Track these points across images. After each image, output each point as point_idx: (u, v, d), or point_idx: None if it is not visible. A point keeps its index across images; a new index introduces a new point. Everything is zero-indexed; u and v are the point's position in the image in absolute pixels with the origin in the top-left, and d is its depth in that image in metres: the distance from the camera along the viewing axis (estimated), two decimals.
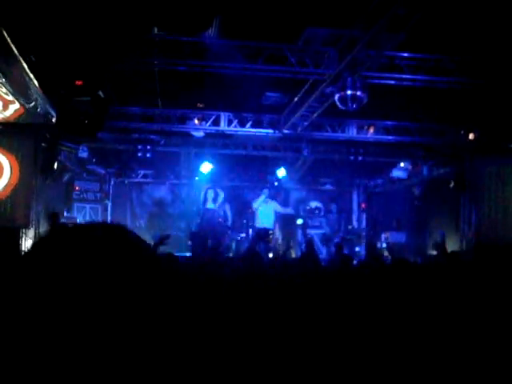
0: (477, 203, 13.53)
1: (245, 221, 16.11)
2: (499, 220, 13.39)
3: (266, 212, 14.16)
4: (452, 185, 14.12)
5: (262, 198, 14.23)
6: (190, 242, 14.70)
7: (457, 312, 3.93)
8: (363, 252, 13.27)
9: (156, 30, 8.77)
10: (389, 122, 13.56)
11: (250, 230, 15.41)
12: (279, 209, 14.49)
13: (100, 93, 9.26)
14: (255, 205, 14.37)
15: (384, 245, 14.68)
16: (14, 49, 7.75)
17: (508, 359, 3.51)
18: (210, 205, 14.55)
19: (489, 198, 13.46)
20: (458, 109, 11.77)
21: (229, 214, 15.31)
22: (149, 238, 10.98)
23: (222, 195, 14.97)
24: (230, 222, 15.30)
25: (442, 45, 9.44)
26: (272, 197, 14.92)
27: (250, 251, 6.68)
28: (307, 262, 6.04)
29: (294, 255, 14.39)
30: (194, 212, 16.29)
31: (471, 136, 13.25)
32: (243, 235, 15.62)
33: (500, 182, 13.46)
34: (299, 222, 16.14)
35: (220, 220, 15.13)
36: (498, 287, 4.41)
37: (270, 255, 8.46)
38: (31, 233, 11.45)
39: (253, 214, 15.39)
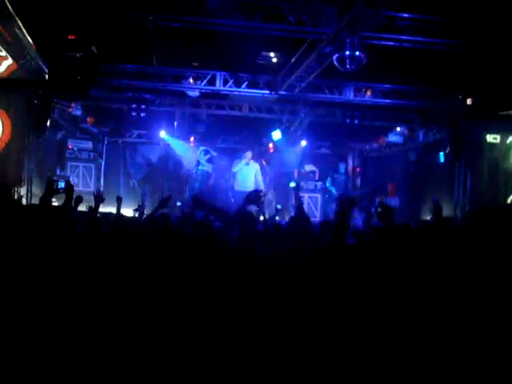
0: (472, 169, 13.48)
1: None
2: (494, 186, 13.38)
3: (246, 174, 14.03)
4: (448, 150, 14.05)
5: (243, 161, 14.09)
6: (179, 203, 14.62)
7: (451, 277, 3.89)
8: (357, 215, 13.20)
9: None
10: (386, 86, 13.42)
11: (231, 197, 15.25)
12: (259, 176, 14.38)
13: (93, 48, 9.09)
14: (234, 169, 14.26)
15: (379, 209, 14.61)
16: (7, 2, 7.58)
17: (504, 324, 3.48)
18: (205, 167, 14.46)
19: (484, 164, 13.42)
20: (457, 73, 11.64)
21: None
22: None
23: (214, 154, 14.91)
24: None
25: (443, 7, 9.26)
26: (257, 159, 14.77)
27: (241, 214, 6.55)
28: (296, 225, 5.96)
29: (286, 218, 14.33)
30: (187, 173, 16.22)
31: (469, 101, 13.13)
32: (232, 200, 15.56)
33: (496, 148, 13.41)
34: (292, 185, 16.04)
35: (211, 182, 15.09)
36: (492, 253, 4.38)
37: (261, 218, 8.38)
38: (23, 190, 11.37)
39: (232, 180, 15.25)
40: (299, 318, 3.57)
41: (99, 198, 6.03)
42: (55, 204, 8.91)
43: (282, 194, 16.35)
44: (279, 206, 12.78)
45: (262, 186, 14.32)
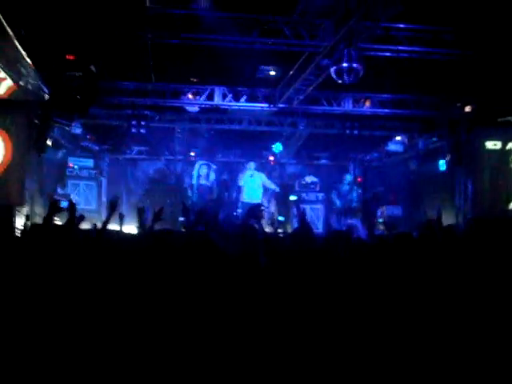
0: (473, 176, 13.49)
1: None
2: (495, 193, 13.38)
3: (252, 185, 14.04)
4: (448, 158, 14.08)
5: (248, 173, 14.10)
6: (181, 218, 14.65)
7: (454, 285, 3.90)
8: (359, 225, 13.19)
9: (148, 2, 8.62)
10: (385, 95, 13.45)
11: (239, 209, 15.35)
12: (267, 182, 14.34)
13: (92, 67, 9.15)
14: (240, 183, 14.28)
15: (380, 219, 14.65)
16: (5, 23, 7.63)
17: (506, 330, 3.48)
18: (202, 181, 14.48)
19: (485, 171, 13.44)
20: (454, 81, 11.68)
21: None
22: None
23: (213, 176, 14.93)
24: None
25: (438, 16, 9.31)
26: (260, 169, 14.77)
27: (243, 227, 6.58)
28: (300, 236, 5.96)
29: (289, 230, 14.34)
30: (187, 188, 16.25)
31: (468, 108, 13.18)
32: (239, 211, 15.59)
33: (496, 155, 13.43)
34: (292, 198, 16.04)
35: (212, 196, 15.09)
36: (494, 260, 4.38)
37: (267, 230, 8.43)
38: (25, 210, 11.39)
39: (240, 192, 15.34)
40: (302, 328, 3.57)
41: (113, 206, 6.03)
42: (58, 223, 8.92)
43: (283, 206, 16.36)
44: (281, 218, 12.81)
45: (277, 189, 14.37)
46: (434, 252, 4.72)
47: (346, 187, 15.49)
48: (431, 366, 3.36)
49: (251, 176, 14.04)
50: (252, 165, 14.15)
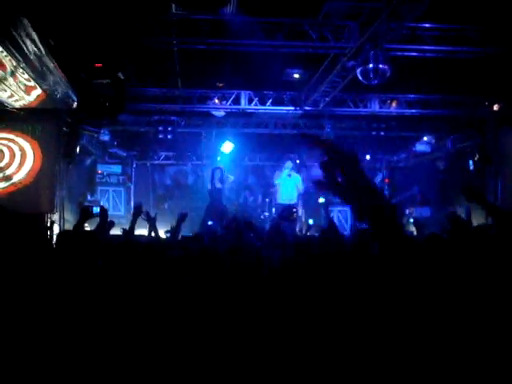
0: (502, 175, 13.34)
1: (267, 200, 16.06)
2: None
3: (288, 186, 13.88)
4: (477, 157, 13.95)
5: (285, 172, 13.91)
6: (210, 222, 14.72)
7: (490, 287, 3.85)
8: None
9: (174, 8, 8.69)
10: (411, 96, 13.38)
11: (274, 209, 15.35)
12: (300, 186, 14.19)
13: (120, 74, 9.24)
14: (276, 181, 14.09)
15: (411, 219, 14.51)
16: (35, 34, 7.74)
17: None
18: (218, 184, 14.50)
19: None
20: (481, 79, 11.56)
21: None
22: (172, 220, 10.99)
23: (231, 178, 14.92)
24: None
25: (464, 14, 9.24)
26: (297, 170, 14.60)
27: (273, 230, 6.60)
28: (329, 240, 5.97)
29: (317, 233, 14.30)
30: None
31: (496, 107, 13.05)
32: (267, 214, 15.60)
33: None
34: (321, 200, 16.01)
35: (237, 201, 15.12)
36: None
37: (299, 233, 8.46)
38: (56, 217, 11.54)
39: (274, 192, 15.31)
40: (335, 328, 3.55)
41: (136, 212, 6.11)
42: (88, 229, 9.03)
43: (310, 209, 16.30)
44: (311, 222, 12.75)
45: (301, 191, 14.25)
46: (466, 253, 4.67)
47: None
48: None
49: (289, 176, 13.85)
50: (290, 164, 13.94)
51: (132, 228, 5.73)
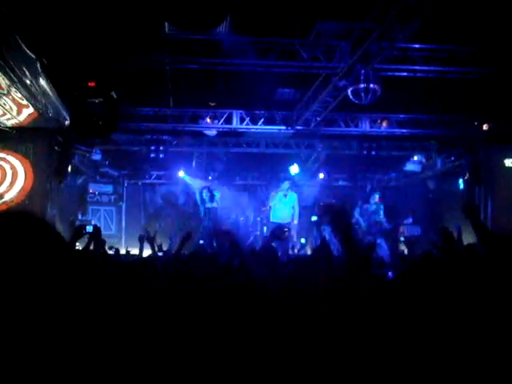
0: (492, 195, 13.43)
1: (259, 218, 16.07)
2: None
3: (284, 205, 13.83)
4: (467, 177, 14.03)
5: (281, 193, 13.84)
6: (201, 241, 14.67)
7: (483, 306, 3.87)
8: (383, 245, 13.10)
9: (167, 28, 8.74)
10: (402, 115, 13.47)
11: (265, 228, 15.34)
12: (296, 206, 14.12)
13: (113, 93, 9.27)
14: (271, 202, 14.02)
15: (401, 238, 14.53)
16: (29, 53, 7.77)
17: None
18: (208, 204, 14.48)
19: (504, 189, 13.38)
20: (471, 100, 11.68)
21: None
22: (164, 239, 10.97)
23: (218, 195, 14.90)
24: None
25: (454, 35, 9.35)
26: (293, 189, 14.52)
27: (265, 249, 6.56)
28: (320, 259, 5.95)
29: (309, 252, 14.27)
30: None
31: (485, 127, 13.16)
32: (257, 233, 15.59)
33: None
34: (313, 219, 16.02)
35: (229, 221, 15.12)
36: None
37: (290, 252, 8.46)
38: None
39: (266, 211, 15.30)
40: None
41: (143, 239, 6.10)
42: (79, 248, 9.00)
43: (302, 228, 16.31)
44: (303, 240, 12.73)
45: (296, 217, 14.13)
46: (458, 271, 4.69)
47: (372, 207, 15.23)
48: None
49: (285, 196, 13.81)
50: (286, 184, 13.90)
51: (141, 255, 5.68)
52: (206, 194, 14.47)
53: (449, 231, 5.06)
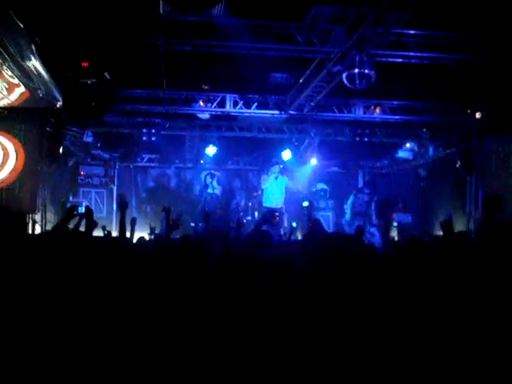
0: (484, 183, 13.47)
1: (250, 204, 16.08)
2: (506, 199, 13.34)
3: (275, 189, 13.84)
4: (458, 165, 14.06)
5: (272, 175, 13.87)
6: (192, 224, 14.68)
7: (471, 292, 3.89)
8: (376, 233, 13.14)
9: (162, 9, 8.68)
10: (395, 102, 13.45)
11: (256, 213, 15.36)
12: (291, 185, 14.12)
13: (106, 74, 9.20)
14: (264, 185, 14.02)
15: (395, 224, 14.56)
16: (23, 30, 7.68)
17: None
18: (210, 189, 14.46)
19: (496, 178, 13.42)
20: (465, 87, 11.69)
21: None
22: (155, 222, 10.96)
23: (218, 188, 14.94)
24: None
25: (449, 22, 9.34)
26: (283, 172, 14.54)
27: (256, 232, 6.58)
28: (310, 242, 5.97)
29: (300, 237, 14.28)
30: (196, 196, 16.28)
31: (478, 115, 13.16)
32: (249, 218, 15.59)
33: (507, 161, 13.41)
34: (305, 204, 16.03)
35: (220, 205, 15.11)
36: (507, 268, 4.37)
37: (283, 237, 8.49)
38: (38, 217, 11.46)
39: (258, 196, 15.31)
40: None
41: (122, 205, 6.00)
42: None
43: (293, 213, 16.32)
44: (295, 224, 12.75)
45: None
46: (449, 258, 4.71)
47: (366, 198, 15.21)
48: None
49: (276, 179, 13.81)
50: (277, 168, 13.91)
51: (123, 227, 5.62)
52: (209, 180, 14.47)
53: (449, 222, 5.07)
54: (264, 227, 7.50)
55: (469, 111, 13.22)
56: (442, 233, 5.30)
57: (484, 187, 13.37)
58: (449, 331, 3.58)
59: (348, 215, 14.66)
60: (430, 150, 15.58)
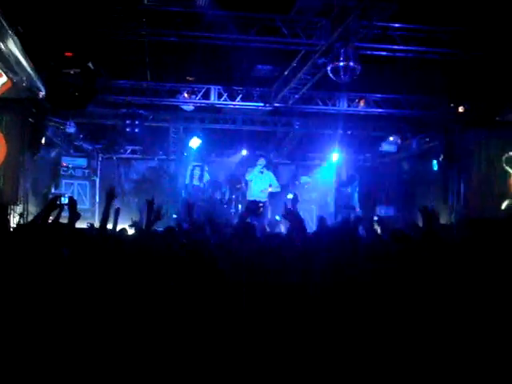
0: (466, 176, 13.58)
1: (234, 196, 16.05)
2: (488, 193, 13.47)
3: (259, 183, 13.81)
4: (441, 158, 14.14)
5: (257, 168, 13.83)
6: (175, 215, 14.64)
7: (452, 286, 3.90)
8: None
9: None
10: (379, 95, 13.47)
11: (240, 206, 15.35)
12: (275, 183, 14.09)
13: (90, 64, 9.12)
14: (248, 177, 13.98)
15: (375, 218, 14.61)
16: (3, 20, 7.59)
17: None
18: (195, 182, 14.40)
19: (477, 171, 13.53)
20: (448, 81, 11.74)
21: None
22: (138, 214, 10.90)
23: (207, 176, 14.88)
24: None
25: (434, 16, 9.36)
26: (268, 167, 14.51)
27: (241, 224, 6.56)
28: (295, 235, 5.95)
29: (283, 229, 14.30)
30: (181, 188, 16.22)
31: (461, 109, 13.25)
32: (233, 211, 15.57)
33: (489, 155, 13.52)
34: (289, 196, 16.06)
35: (204, 197, 15.09)
36: (490, 261, 4.39)
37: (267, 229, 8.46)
38: (19, 209, 11.35)
39: (241, 188, 15.28)
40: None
41: (112, 194, 5.93)
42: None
43: (277, 206, 16.33)
44: (278, 218, 12.76)
45: (278, 189, 14.12)
46: (431, 251, 4.73)
47: (348, 191, 15.21)
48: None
49: (261, 172, 13.75)
50: (262, 161, 13.85)
51: (106, 216, 5.54)
52: (196, 172, 14.38)
53: (430, 210, 5.10)
54: (249, 219, 7.48)
55: (452, 105, 13.29)
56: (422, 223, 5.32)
57: (466, 179, 13.48)
58: (433, 325, 3.59)
59: (332, 208, 14.68)
60: (414, 143, 15.64)
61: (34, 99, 10.96)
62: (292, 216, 5.10)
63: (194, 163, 15.97)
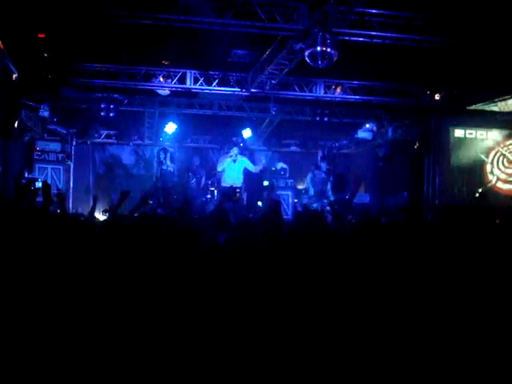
0: (441, 164, 13.69)
1: (209, 182, 16.00)
2: (462, 180, 13.61)
3: (233, 170, 13.72)
4: (417, 146, 14.22)
5: (229, 159, 13.73)
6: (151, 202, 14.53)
7: (422, 273, 3.93)
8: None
9: None
10: (355, 82, 13.49)
11: (215, 192, 15.30)
12: (251, 167, 14.01)
13: (63, 47, 8.97)
14: (220, 167, 13.86)
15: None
16: None
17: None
18: (164, 166, 14.29)
19: (452, 159, 13.66)
20: (425, 69, 11.78)
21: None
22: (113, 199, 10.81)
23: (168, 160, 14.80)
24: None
25: (412, 2, 9.36)
26: (242, 153, 14.41)
27: (217, 210, 6.55)
28: (270, 222, 5.98)
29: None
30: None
31: (437, 96, 13.31)
32: (208, 196, 15.51)
33: (464, 143, 13.65)
34: (265, 183, 16.07)
35: (174, 181, 14.99)
36: (464, 247, 4.43)
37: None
38: None
39: (218, 175, 15.20)
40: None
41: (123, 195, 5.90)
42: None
43: (254, 192, 16.30)
44: (260, 203, 12.72)
45: (256, 169, 14.04)
46: (404, 238, 4.76)
47: (323, 175, 15.15)
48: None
49: (234, 162, 13.64)
50: (235, 150, 13.72)
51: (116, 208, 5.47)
52: (162, 156, 14.24)
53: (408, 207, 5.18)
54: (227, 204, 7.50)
55: (428, 92, 13.35)
56: (399, 214, 5.38)
57: (441, 167, 13.60)
58: (402, 313, 3.60)
59: (311, 191, 14.59)
60: (389, 130, 15.69)
61: (7, 82, 10.75)
62: (270, 201, 5.13)
63: (157, 148, 15.80)
